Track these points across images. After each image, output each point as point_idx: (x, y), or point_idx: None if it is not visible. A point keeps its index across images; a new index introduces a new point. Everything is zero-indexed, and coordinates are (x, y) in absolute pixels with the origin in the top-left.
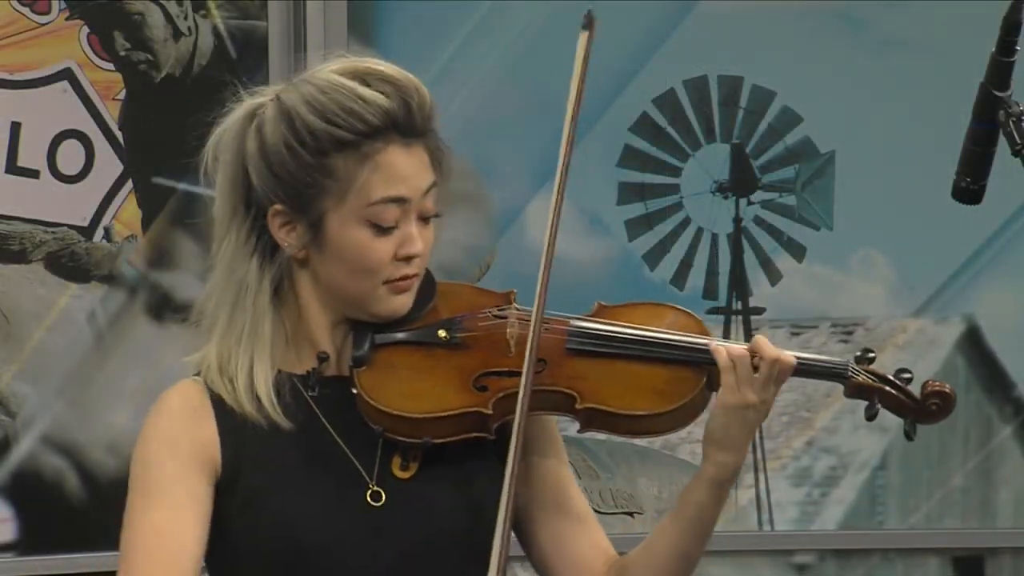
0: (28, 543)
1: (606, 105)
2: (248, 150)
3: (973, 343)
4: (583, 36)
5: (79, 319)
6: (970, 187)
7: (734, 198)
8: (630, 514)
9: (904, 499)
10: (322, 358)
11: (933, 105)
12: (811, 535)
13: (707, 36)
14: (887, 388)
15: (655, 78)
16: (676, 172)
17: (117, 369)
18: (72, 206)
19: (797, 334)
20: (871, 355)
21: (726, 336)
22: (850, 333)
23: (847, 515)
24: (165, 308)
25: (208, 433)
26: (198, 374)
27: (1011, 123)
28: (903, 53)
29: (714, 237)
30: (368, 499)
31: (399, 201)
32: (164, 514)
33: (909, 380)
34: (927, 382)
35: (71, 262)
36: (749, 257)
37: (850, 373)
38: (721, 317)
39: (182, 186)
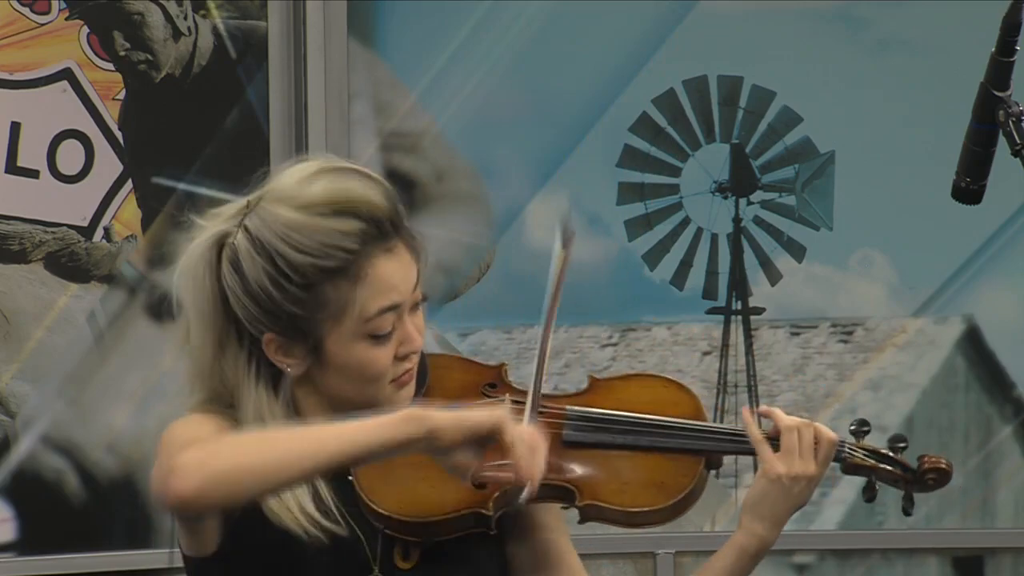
0: (28, 543)
1: (606, 105)
2: (227, 285)
3: (973, 343)
4: (560, 253)
5: (79, 319)
6: (970, 187)
7: (734, 198)
8: None
9: None
10: None
11: (933, 105)
12: (811, 535)
13: (707, 36)
14: (884, 465)
15: (655, 78)
16: (676, 172)
17: (117, 369)
18: (72, 206)
19: (797, 334)
20: (865, 428)
21: (725, 335)
22: (850, 333)
23: (847, 515)
24: (165, 308)
25: None
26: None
27: (1011, 123)
28: (903, 53)
29: (714, 237)
30: None
31: (394, 308)
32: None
33: (903, 448)
34: (924, 457)
35: (71, 262)
36: (749, 257)
37: (846, 452)
38: (721, 317)
39: (182, 186)
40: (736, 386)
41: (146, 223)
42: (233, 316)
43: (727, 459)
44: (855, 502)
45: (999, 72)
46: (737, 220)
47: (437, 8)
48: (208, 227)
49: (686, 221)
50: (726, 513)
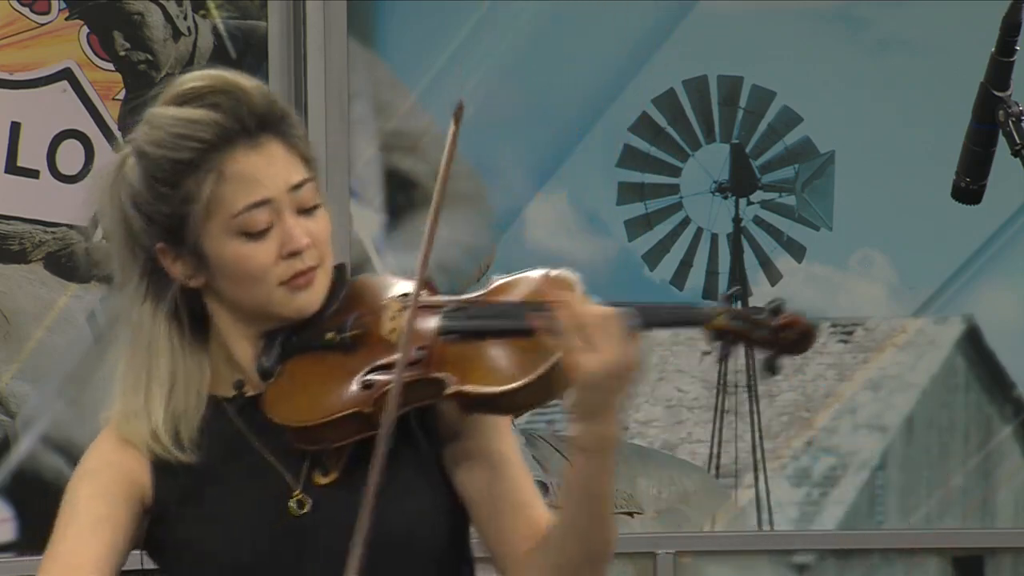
0: (28, 543)
1: (606, 105)
2: (122, 199)
3: (973, 343)
4: (451, 128)
5: (79, 319)
6: (970, 187)
7: (734, 198)
8: (630, 514)
9: (904, 499)
10: (237, 386)
11: (933, 105)
12: (811, 535)
13: (707, 36)
14: (742, 326)
15: (655, 78)
16: (676, 172)
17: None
18: (72, 206)
19: None
20: (733, 292)
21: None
22: (850, 333)
23: (847, 515)
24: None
25: (136, 465)
26: None
27: (1011, 123)
28: (903, 53)
29: (714, 237)
30: (292, 507)
31: (263, 204)
32: (66, 544)
33: (776, 310)
34: (781, 314)
35: (71, 262)
36: (749, 257)
37: (704, 317)
38: None
39: None
40: (736, 386)
41: None
42: (132, 231)
43: (727, 459)
44: (855, 502)
45: (999, 72)
46: (737, 220)
47: (437, 8)
48: (121, 149)
49: (686, 221)
50: (726, 513)
